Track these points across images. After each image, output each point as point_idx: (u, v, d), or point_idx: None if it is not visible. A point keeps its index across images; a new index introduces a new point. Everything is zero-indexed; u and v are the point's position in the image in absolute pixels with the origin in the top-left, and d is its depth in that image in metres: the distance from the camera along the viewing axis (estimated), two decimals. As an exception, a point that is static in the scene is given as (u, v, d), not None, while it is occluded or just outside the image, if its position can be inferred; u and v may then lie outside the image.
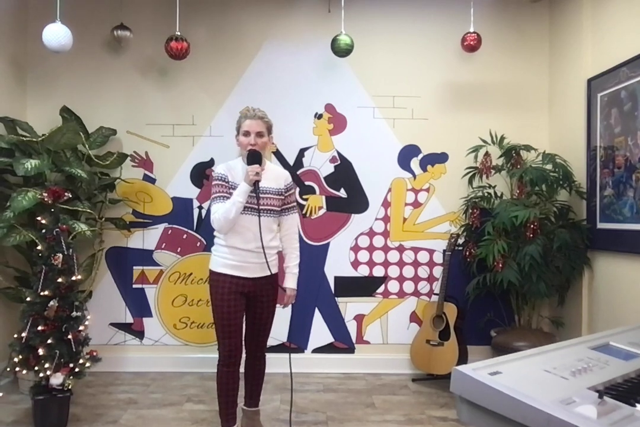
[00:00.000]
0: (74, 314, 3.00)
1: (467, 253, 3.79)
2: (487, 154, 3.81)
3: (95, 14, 3.99)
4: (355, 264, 4.08)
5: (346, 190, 4.07)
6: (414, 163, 4.08)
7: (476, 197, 3.85)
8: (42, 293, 2.92)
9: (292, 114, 4.03)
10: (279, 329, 3.71)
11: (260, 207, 2.59)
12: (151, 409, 3.28)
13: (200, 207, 4.01)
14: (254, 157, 2.59)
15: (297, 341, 4.03)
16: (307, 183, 4.06)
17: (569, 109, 3.81)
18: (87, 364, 3.04)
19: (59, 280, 2.95)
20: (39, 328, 2.90)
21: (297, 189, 4.00)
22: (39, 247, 3.00)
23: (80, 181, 3.60)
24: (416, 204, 4.08)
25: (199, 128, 4.04)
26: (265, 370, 2.88)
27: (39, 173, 3.35)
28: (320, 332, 4.06)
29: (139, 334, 4.04)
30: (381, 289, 4.07)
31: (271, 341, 3.76)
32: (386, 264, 4.07)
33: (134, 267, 4.04)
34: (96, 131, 3.86)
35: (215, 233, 2.69)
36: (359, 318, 4.07)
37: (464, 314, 3.80)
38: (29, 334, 2.90)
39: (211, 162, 3.97)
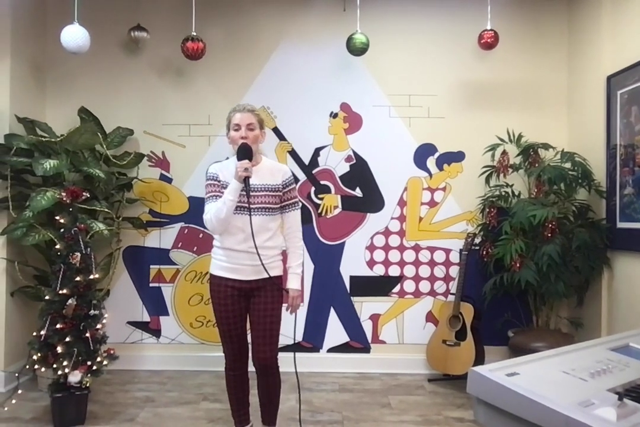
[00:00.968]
0: (92, 312, 3.04)
1: (484, 253, 3.76)
2: (504, 152, 3.77)
3: (113, 15, 4.02)
4: (371, 263, 4.06)
5: (362, 190, 4.06)
6: (430, 162, 4.06)
7: (493, 196, 3.82)
8: (60, 292, 2.96)
9: (307, 113, 4.03)
10: (291, 328, 3.73)
11: (253, 205, 2.46)
12: (168, 408, 3.31)
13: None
14: (243, 152, 2.44)
15: (312, 340, 4.03)
16: (322, 182, 4.06)
17: (588, 107, 3.76)
18: (105, 362, 3.08)
19: (77, 279, 2.98)
20: (58, 326, 2.93)
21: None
22: (57, 246, 3.04)
23: (98, 181, 3.64)
24: (432, 203, 4.05)
25: (215, 128, 4.06)
26: (278, 388, 2.67)
27: (58, 173, 3.40)
28: (335, 332, 4.05)
29: (156, 332, 4.07)
30: (397, 288, 4.06)
31: (287, 340, 3.78)
32: (402, 263, 4.06)
33: (151, 266, 4.07)
34: (113, 131, 3.90)
35: (213, 234, 2.61)
36: (375, 318, 4.06)
37: (480, 314, 3.77)
38: (47, 332, 2.94)
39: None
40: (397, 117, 4.06)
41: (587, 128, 3.77)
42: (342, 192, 4.06)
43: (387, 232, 4.06)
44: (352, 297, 4.06)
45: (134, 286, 4.06)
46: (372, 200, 4.06)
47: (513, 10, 4.01)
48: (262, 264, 2.42)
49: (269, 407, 2.67)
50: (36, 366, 2.97)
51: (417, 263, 4.06)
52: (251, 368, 2.66)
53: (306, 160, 4.06)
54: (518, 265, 3.42)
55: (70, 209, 3.09)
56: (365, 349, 4.06)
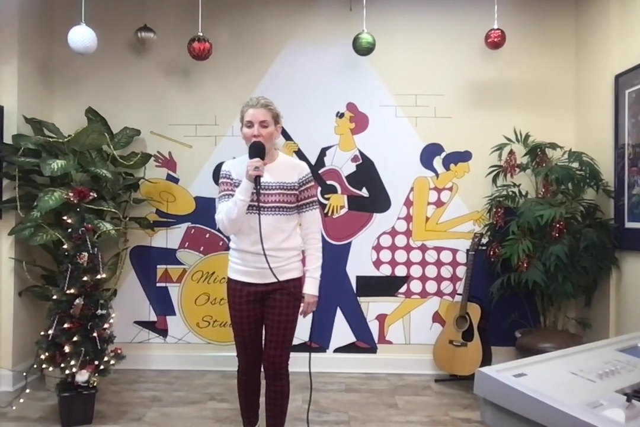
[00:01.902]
0: (99, 312, 3.05)
1: (491, 253, 3.74)
2: (511, 152, 3.76)
3: (119, 16, 4.04)
4: (377, 263, 4.06)
5: (368, 190, 4.06)
6: (437, 162, 4.05)
7: (500, 196, 3.81)
8: (68, 291, 2.97)
9: (313, 113, 4.03)
10: (301, 328, 3.73)
11: (265, 204, 2.35)
12: (174, 407, 3.32)
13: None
14: (255, 150, 2.31)
15: (319, 341, 4.03)
16: (328, 182, 4.06)
17: (595, 106, 3.74)
18: (112, 362, 3.09)
19: (85, 278, 2.99)
20: (65, 326, 2.94)
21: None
22: (65, 246, 3.05)
23: (105, 181, 3.65)
24: (439, 203, 4.04)
25: (221, 128, 4.07)
26: (286, 397, 2.56)
27: (65, 173, 3.41)
28: (342, 332, 4.05)
29: (163, 332, 4.08)
30: (403, 288, 4.05)
31: (297, 340, 3.78)
32: (408, 263, 4.05)
33: (158, 266, 4.09)
34: (120, 132, 3.91)
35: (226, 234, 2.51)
36: (381, 318, 4.05)
37: (487, 315, 3.76)
38: (55, 331, 2.95)
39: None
40: (403, 116, 4.05)
41: (595, 127, 3.75)
42: (349, 192, 4.06)
43: (393, 232, 4.05)
44: (358, 298, 4.06)
45: (141, 285, 4.08)
46: (379, 200, 4.05)
47: (520, 10, 3.99)
48: (270, 268, 2.29)
49: (274, 415, 2.56)
50: (44, 366, 2.99)
51: (423, 263, 4.05)
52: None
53: (312, 160, 4.05)
54: (525, 265, 3.41)
55: (78, 209, 3.10)
56: (372, 349, 4.05)
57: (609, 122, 3.56)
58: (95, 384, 3.02)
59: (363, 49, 3.64)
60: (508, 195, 3.79)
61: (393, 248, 4.05)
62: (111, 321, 3.18)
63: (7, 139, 3.54)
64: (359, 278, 4.06)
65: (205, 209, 4.05)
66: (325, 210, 4.04)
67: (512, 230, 3.50)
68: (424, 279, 4.05)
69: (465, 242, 3.94)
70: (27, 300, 3.70)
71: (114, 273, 3.83)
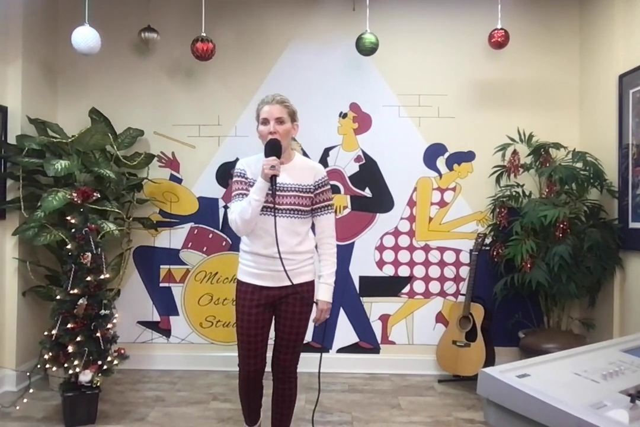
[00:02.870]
0: (103, 312, 3.05)
1: (495, 253, 3.74)
2: (515, 152, 3.75)
3: (123, 16, 4.05)
4: (381, 263, 4.05)
5: (371, 190, 4.06)
6: (440, 162, 4.04)
7: (504, 196, 3.80)
8: (71, 291, 2.97)
9: (316, 113, 4.03)
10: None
11: (280, 206, 2.27)
12: (178, 407, 3.32)
13: (226, 207, 4.04)
14: (271, 148, 2.22)
15: (322, 341, 4.03)
16: (331, 182, 4.03)
17: (599, 106, 3.73)
18: (115, 362, 3.09)
19: (88, 278, 3.00)
20: (69, 326, 2.95)
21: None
22: (68, 246, 3.06)
23: (109, 181, 3.66)
24: (442, 204, 4.04)
25: (225, 128, 4.07)
26: (294, 399, 2.51)
27: (69, 174, 3.42)
28: (345, 332, 4.05)
29: (166, 332, 4.09)
30: (406, 289, 4.04)
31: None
32: (412, 263, 4.04)
33: (161, 266, 4.09)
34: (124, 132, 3.92)
35: (240, 237, 2.44)
36: (384, 318, 4.05)
37: (491, 315, 3.75)
38: (58, 331, 2.96)
39: (236, 162, 3.99)
40: (406, 116, 4.05)
41: (599, 127, 3.74)
42: (352, 192, 4.06)
43: (396, 233, 4.05)
44: (361, 298, 4.06)
45: (144, 285, 4.08)
46: (382, 201, 4.05)
47: (524, 9, 3.98)
48: (285, 271, 2.22)
49: (280, 417, 2.52)
50: (47, 365, 3.00)
51: (426, 263, 4.04)
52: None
53: (315, 160, 4.05)
54: (529, 265, 3.40)
55: (81, 210, 3.11)
56: (375, 349, 4.05)
57: (613, 122, 3.55)
58: (98, 384, 3.03)
59: (366, 49, 3.64)
60: (511, 195, 3.78)
61: (396, 248, 4.05)
62: (114, 321, 3.18)
63: (11, 140, 3.56)
64: (362, 278, 4.06)
65: (208, 209, 4.06)
66: (329, 211, 4.04)
67: (515, 230, 3.49)
68: (427, 279, 4.04)
69: (469, 243, 3.93)
70: (31, 300, 3.71)
71: (117, 273, 3.84)
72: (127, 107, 4.06)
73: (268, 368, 2.52)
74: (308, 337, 3.90)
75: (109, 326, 3.10)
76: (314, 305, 2.41)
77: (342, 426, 3.07)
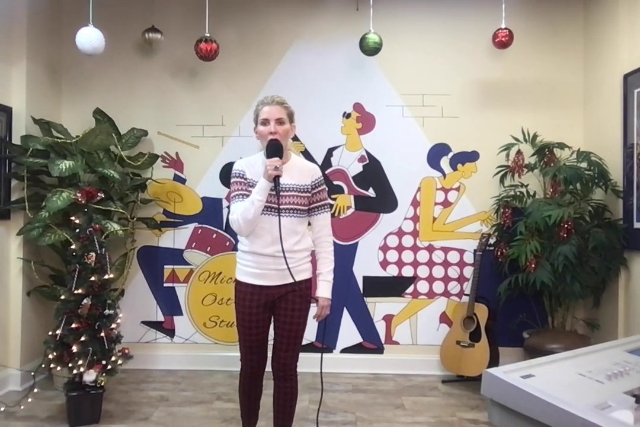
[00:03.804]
0: (107, 312, 3.06)
1: (499, 253, 3.73)
2: (519, 152, 3.75)
3: (127, 17, 4.06)
4: (384, 264, 4.05)
5: (375, 190, 4.05)
6: (444, 162, 4.04)
7: (508, 196, 3.79)
8: (76, 291, 2.98)
9: (320, 113, 4.03)
10: (308, 328, 3.72)
11: (281, 206, 2.31)
12: (182, 407, 3.33)
13: (229, 207, 4.03)
14: (273, 149, 2.26)
15: (325, 341, 4.03)
16: (335, 183, 4.05)
17: (604, 106, 3.72)
18: (119, 362, 3.10)
19: (92, 278, 3.00)
20: (73, 326, 2.96)
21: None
22: (73, 247, 3.07)
23: (113, 182, 3.67)
24: (446, 204, 4.03)
25: (228, 128, 4.08)
26: (295, 398, 2.52)
27: (73, 174, 3.43)
28: (349, 332, 4.05)
29: (170, 332, 4.09)
30: (410, 289, 4.04)
31: (304, 341, 3.76)
32: (415, 264, 4.04)
33: (165, 266, 4.10)
34: (128, 132, 3.93)
35: (238, 237, 2.48)
36: (388, 318, 4.04)
37: (495, 315, 3.74)
38: (63, 331, 2.97)
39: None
40: (410, 116, 4.04)
41: (603, 127, 3.72)
42: (355, 192, 4.06)
43: (400, 233, 4.04)
44: (365, 298, 4.05)
45: (148, 285, 4.09)
46: (385, 201, 4.05)
47: (528, 9, 3.97)
48: (289, 269, 2.26)
49: (282, 416, 2.53)
50: (52, 365, 3.01)
51: (430, 264, 4.04)
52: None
53: (319, 160, 4.05)
54: (533, 265, 3.39)
55: (86, 210, 3.12)
56: (379, 349, 4.05)
57: (617, 122, 3.53)
58: (102, 384, 3.03)
59: (370, 49, 3.64)
60: (516, 195, 3.77)
61: (400, 248, 4.04)
62: (119, 320, 3.19)
63: (16, 140, 3.57)
64: (365, 278, 4.05)
65: (212, 209, 4.06)
66: (332, 211, 4.04)
67: (519, 230, 3.48)
68: (431, 279, 4.04)
69: (473, 243, 3.92)
70: (36, 300, 3.72)
71: (121, 273, 3.84)
72: (131, 107, 4.07)
73: (268, 368, 2.53)
74: (312, 337, 3.91)
75: (113, 325, 3.11)
76: (315, 302, 2.45)
77: (345, 426, 3.07)
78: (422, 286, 4.04)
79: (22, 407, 3.24)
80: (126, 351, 3.17)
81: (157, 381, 3.81)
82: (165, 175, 4.08)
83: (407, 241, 4.04)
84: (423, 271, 4.04)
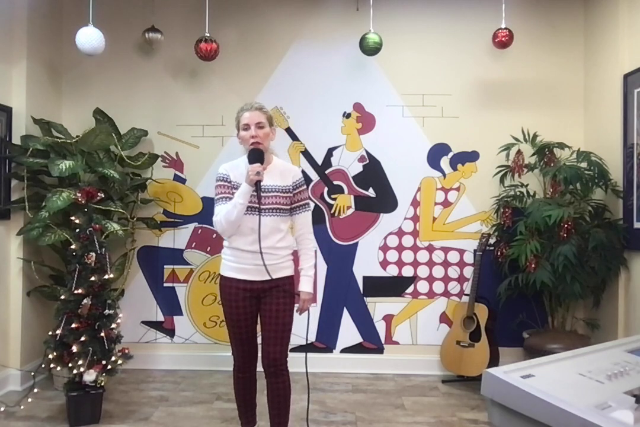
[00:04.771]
0: (107, 312, 3.06)
1: (499, 253, 3.73)
2: (519, 152, 3.75)
3: (127, 17, 4.06)
4: (384, 263, 4.05)
5: (375, 190, 4.05)
6: (444, 162, 4.04)
7: (508, 196, 3.79)
8: (76, 291, 2.98)
9: (320, 113, 4.03)
10: (305, 328, 3.72)
11: (264, 206, 2.44)
12: (182, 407, 3.32)
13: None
14: (255, 156, 2.40)
15: (325, 341, 4.03)
16: (335, 182, 4.05)
17: (604, 106, 3.72)
18: (119, 362, 3.10)
19: (92, 278, 3.00)
20: (73, 326, 2.96)
21: (322, 187, 4.00)
22: (73, 246, 3.07)
23: (113, 182, 3.67)
24: (446, 204, 4.03)
25: (228, 128, 4.06)
26: (288, 394, 2.56)
27: (73, 174, 3.43)
28: (349, 332, 4.05)
29: (170, 332, 4.09)
30: (410, 289, 4.04)
31: (300, 340, 3.77)
32: (415, 264, 4.04)
33: (165, 266, 4.10)
34: (128, 132, 3.93)
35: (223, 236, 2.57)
36: (388, 318, 4.04)
37: (495, 315, 3.74)
38: (63, 331, 2.97)
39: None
40: (410, 116, 4.04)
41: (604, 127, 3.72)
42: (355, 192, 4.06)
43: (400, 233, 4.04)
44: (365, 298, 4.05)
45: (148, 285, 4.09)
46: (386, 201, 4.05)
47: (528, 9, 3.97)
48: (265, 265, 2.37)
49: (278, 413, 2.57)
50: (52, 365, 3.01)
51: (430, 264, 4.04)
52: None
53: (319, 160, 4.05)
54: (533, 266, 3.39)
55: (86, 210, 3.12)
56: (379, 349, 4.05)
57: (617, 122, 3.53)
58: (102, 384, 3.03)
59: (370, 49, 3.64)
60: (516, 195, 3.77)
61: (400, 248, 4.04)
62: (119, 320, 3.19)
63: (16, 140, 3.57)
64: (365, 278, 4.05)
65: (212, 209, 4.02)
66: (332, 211, 4.04)
67: (519, 230, 3.48)
68: (431, 279, 4.04)
69: (473, 243, 3.92)
70: (36, 300, 3.72)
71: (121, 273, 3.84)
72: (131, 107, 4.07)
73: (260, 368, 2.57)
74: (311, 337, 3.91)
75: (113, 325, 3.11)
76: (297, 296, 2.55)
77: (345, 426, 3.07)
78: (422, 286, 4.04)
79: (22, 407, 3.24)
80: (126, 351, 3.17)
81: (157, 381, 3.81)
82: (165, 175, 4.08)
83: (407, 240, 4.04)
84: (423, 271, 4.04)
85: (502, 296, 3.67)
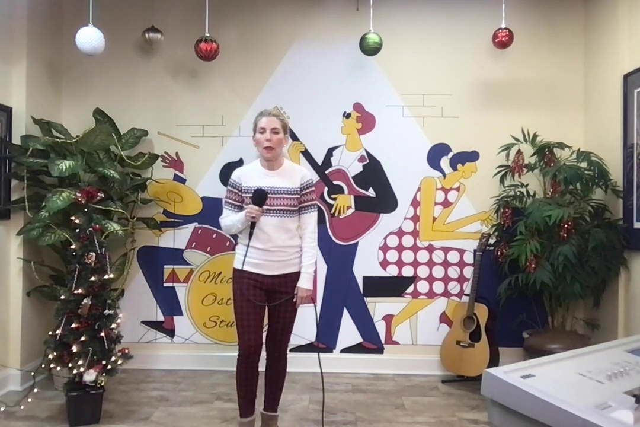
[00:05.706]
0: (107, 312, 3.06)
1: (499, 253, 3.73)
2: (519, 152, 3.74)
3: (127, 17, 4.05)
4: (384, 263, 4.05)
5: (375, 190, 4.05)
6: (444, 162, 4.04)
7: (508, 196, 3.79)
8: (76, 291, 2.98)
9: (320, 113, 4.03)
10: (308, 328, 3.73)
11: (272, 207, 2.64)
12: (182, 407, 3.32)
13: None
14: (258, 197, 2.61)
15: (325, 341, 4.03)
16: (335, 182, 4.05)
17: (604, 106, 3.72)
18: (119, 362, 3.10)
19: (92, 278, 3.00)
20: (73, 326, 2.96)
21: (326, 188, 4.00)
22: (73, 246, 3.06)
23: (113, 182, 3.67)
24: (446, 204, 4.03)
25: (228, 128, 4.07)
26: (285, 374, 2.85)
27: (73, 174, 3.43)
28: (349, 332, 4.05)
29: (170, 332, 4.09)
30: (410, 289, 4.04)
31: (300, 341, 3.77)
32: (415, 264, 4.04)
33: (165, 266, 4.10)
34: (128, 132, 3.93)
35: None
36: (388, 318, 4.04)
37: (495, 315, 3.74)
38: (63, 331, 2.97)
39: (240, 162, 3.98)
40: (410, 116, 4.04)
41: (604, 127, 3.72)
42: (355, 192, 4.06)
43: (400, 233, 4.04)
44: (365, 298, 4.05)
45: (148, 285, 4.09)
46: (386, 201, 4.04)
47: (528, 9, 3.97)
48: (273, 263, 2.64)
49: (274, 393, 2.84)
50: (52, 365, 3.00)
51: (430, 264, 4.04)
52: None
53: (319, 160, 4.05)
54: (533, 266, 3.39)
55: (86, 210, 3.12)
56: (379, 349, 4.05)
57: (617, 122, 3.53)
58: (102, 384, 3.03)
59: (370, 49, 3.63)
60: (516, 195, 3.77)
61: (400, 248, 4.04)
62: (119, 320, 3.18)
63: (16, 140, 3.57)
64: (365, 278, 4.05)
65: (212, 209, 4.06)
66: (332, 211, 4.04)
67: (519, 230, 3.48)
68: (431, 279, 4.04)
69: (473, 243, 3.92)
70: (36, 300, 3.72)
71: (121, 273, 3.84)
72: (131, 107, 4.07)
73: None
74: (312, 337, 3.91)
75: (113, 325, 3.10)
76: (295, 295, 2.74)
77: (345, 426, 3.07)
78: (422, 286, 4.04)
79: (22, 407, 3.24)
80: (126, 351, 3.17)
81: (157, 381, 3.81)
82: (165, 175, 4.08)
83: (407, 240, 4.04)
84: (423, 271, 4.04)
85: (502, 296, 3.67)
